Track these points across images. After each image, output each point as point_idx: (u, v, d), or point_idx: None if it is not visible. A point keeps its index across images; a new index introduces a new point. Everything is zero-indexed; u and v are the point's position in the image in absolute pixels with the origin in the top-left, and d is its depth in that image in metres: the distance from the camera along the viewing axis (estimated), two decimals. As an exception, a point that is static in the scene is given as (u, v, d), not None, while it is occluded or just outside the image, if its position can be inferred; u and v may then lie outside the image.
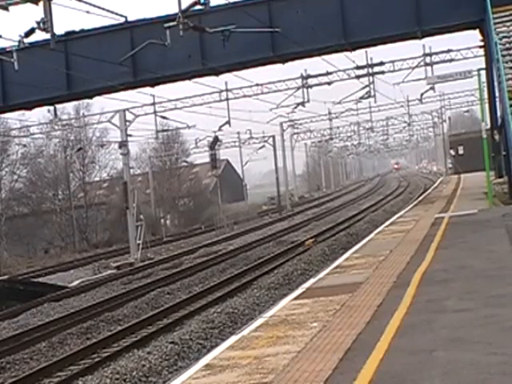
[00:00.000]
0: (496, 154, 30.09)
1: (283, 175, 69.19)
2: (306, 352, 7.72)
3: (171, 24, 21.81)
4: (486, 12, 24.29)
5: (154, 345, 15.59)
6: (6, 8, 19.48)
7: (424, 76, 42.41)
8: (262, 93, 44.48)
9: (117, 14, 21.78)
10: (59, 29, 21.48)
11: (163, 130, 57.46)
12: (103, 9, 20.25)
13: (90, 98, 32.91)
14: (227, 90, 44.40)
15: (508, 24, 24.65)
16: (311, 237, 33.73)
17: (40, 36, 21.51)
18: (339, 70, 41.87)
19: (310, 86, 43.54)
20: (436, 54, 41.04)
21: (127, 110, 40.87)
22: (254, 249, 32.83)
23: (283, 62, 29.08)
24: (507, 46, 24.09)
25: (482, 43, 30.15)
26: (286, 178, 69.58)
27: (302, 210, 63.08)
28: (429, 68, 41.83)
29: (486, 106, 28.84)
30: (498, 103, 27.46)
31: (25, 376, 14.65)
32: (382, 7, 26.69)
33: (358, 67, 40.40)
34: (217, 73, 30.00)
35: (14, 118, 50.52)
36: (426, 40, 31.55)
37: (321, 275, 13.55)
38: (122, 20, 23.60)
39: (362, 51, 33.94)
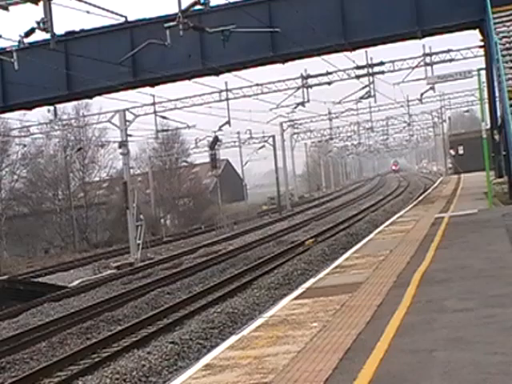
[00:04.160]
0: (496, 154, 30.07)
1: (283, 175, 69.16)
2: (305, 352, 7.72)
3: (171, 24, 21.80)
4: (486, 12, 24.29)
5: (154, 345, 15.59)
6: (6, 8, 19.45)
7: (424, 76, 42.38)
8: (262, 93, 44.45)
9: (117, 13, 21.73)
10: (59, 29, 21.41)
11: (163, 130, 57.42)
12: (103, 9, 20.23)
13: (90, 98, 32.88)
14: (227, 90, 44.39)
15: (508, 24, 24.64)
16: (311, 237, 33.73)
17: (40, 36, 21.52)
18: (339, 70, 41.85)
19: (310, 86, 43.51)
20: (436, 53, 41.01)
21: (127, 109, 40.86)
22: (254, 249, 32.82)
23: (283, 61, 29.08)
24: (507, 45, 24.07)
25: (482, 43, 30.13)
26: (286, 177, 69.55)
27: (301, 209, 63.05)
28: (429, 68, 41.82)
29: (486, 105, 28.83)
30: (498, 103, 27.44)
31: (25, 376, 14.65)
32: (382, 7, 26.67)
33: (357, 67, 40.35)
34: (217, 73, 29.98)
35: (14, 118, 50.55)
36: (426, 40, 31.54)
37: (321, 275, 13.54)
38: (122, 20, 23.54)
39: (362, 51, 33.95)
